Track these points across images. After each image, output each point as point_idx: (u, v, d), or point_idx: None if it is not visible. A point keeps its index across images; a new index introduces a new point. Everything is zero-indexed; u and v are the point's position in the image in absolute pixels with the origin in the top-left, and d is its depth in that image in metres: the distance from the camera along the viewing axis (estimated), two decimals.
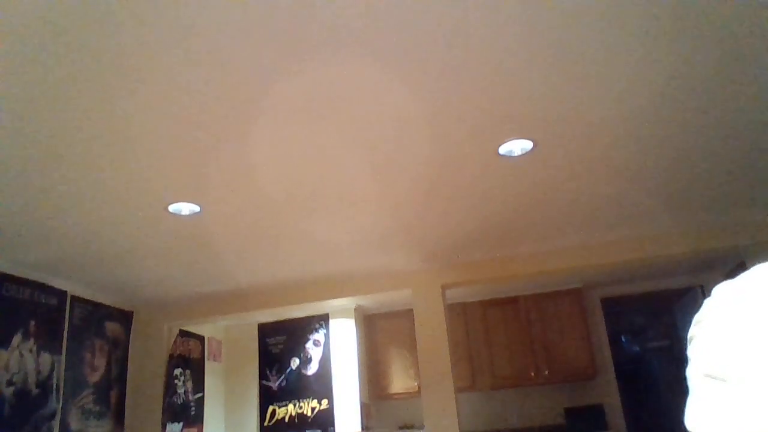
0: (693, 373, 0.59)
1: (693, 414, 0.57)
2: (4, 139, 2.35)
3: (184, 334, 5.41)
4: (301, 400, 5.74)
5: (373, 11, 1.83)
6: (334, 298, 5.02)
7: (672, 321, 6.95)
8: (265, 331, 6.07)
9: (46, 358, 4.00)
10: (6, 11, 1.68)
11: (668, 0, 1.88)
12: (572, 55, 2.14)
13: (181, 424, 5.18)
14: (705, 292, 5.89)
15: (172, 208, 3.16)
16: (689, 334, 0.61)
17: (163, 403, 4.91)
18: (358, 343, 5.80)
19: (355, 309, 5.82)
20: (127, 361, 4.94)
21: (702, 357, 0.58)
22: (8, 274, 3.78)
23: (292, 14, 1.81)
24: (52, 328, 4.12)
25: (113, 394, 4.72)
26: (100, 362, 4.61)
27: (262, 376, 5.95)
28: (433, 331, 4.66)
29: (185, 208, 3.18)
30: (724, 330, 0.56)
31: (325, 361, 5.77)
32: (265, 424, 5.78)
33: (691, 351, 0.60)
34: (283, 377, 5.87)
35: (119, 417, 4.76)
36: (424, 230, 3.93)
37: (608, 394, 5.76)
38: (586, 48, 2.10)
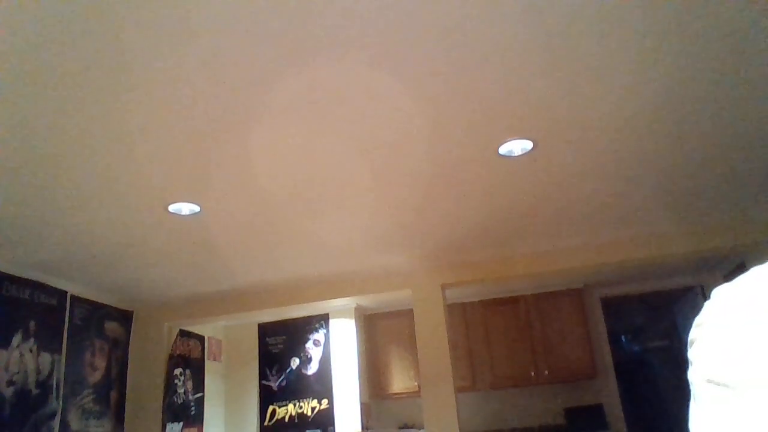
0: (695, 378, 0.58)
1: (697, 421, 0.56)
2: (4, 140, 2.35)
3: (184, 333, 5.41)
4: (301, 400, 5.74)
5: (372, 12, 1.83)
6: (334, 298, 5.02)
7: (672, 321, 6.95)
8: (265, 330, 6.07)
9: (46, 357, 4.00)
10: (7, 11, 1.68)
11: (669, 1, 1.88)
12: (572, 55, 2.13)
13: (181, 423, 5.18)
14: (705, 293, 5.89)
15: (172, 208, 3.16)
16: (690, 337, 0.61)
17: (163, 402, 4.91)
18: (358, 343, 5.80)
19: (355, 309, 5.82)
20: (127, 360, 4.94)
21: (703, 362, 0.57)
22: (8, 274, 3.78)
23: (292, 15, 1.81)
24: (52, 328, 4.12)
25: (113, 394, 4.72)
26: (100, 362, 4.61)
27: (262, 375, 5.95)
28: (433, 331, 4.66)
29: (185, 208, 3.18)
30: (725, 334, 0.56)
31: (325, 361, 5.77)
32: (265, 423, 5.79)
33: (692, 355, 0.59)
34: (283, 377, 5.87)
35: (119, 417, 4.76)
36: (424, 230, 3.93)
37: (608, 394, 5.76)
38: (587, 48, 2.10)
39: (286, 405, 5.77)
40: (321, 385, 5.71)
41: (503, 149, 2.83)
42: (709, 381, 0.55)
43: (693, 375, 0.58)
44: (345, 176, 3.00)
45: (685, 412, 0.59)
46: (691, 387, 0.59)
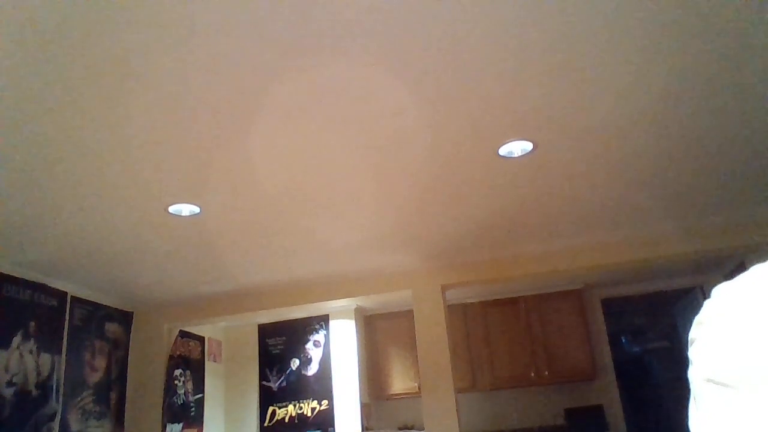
0: (695, 377, 0.58)
1: (696, 421, 0.56)
2: (5, 140, 2.35)
3: (184, 334, 5.41)
4: (301, 401, 5.74)
5: (373, 12, 1.83)
6: (334, 298, 5.01)
7: (672, 322, 6.94)
8: (265, 331, 6.07)
9: (46, 358, 4.00)
10: (8, 12, 1.69)
11: (668, 1, 1.88)
12: (572, 56, 2.14)
13: (181, 424, 5.18)
14: (705, 293, 5.89)
15: (172, 208, 3.16)
16: (690, 336, 0.61)
17: (163, 403, 4.91)
18: (358, 344, 5.79)
19: (355, 309, 5.82)
20: (127, 361, 4.94)
21: (703, 361, 0.57)
22: (8, 275, 3.78)
23: (292, 15, 1.81)
24: (52, 328, 4.11)
25: (113, 395, 4.72)
26: (100, 363, 4.60)
27: (262, 376, 5.95)
28: (433, 332, 4.66)
29: (185, 208, 3.18)
30: (726, 333, 0.56)
31: (325, 362, 5.77)
32: (265, 424, 5.78)
33: (693, 354, 0.59)
34: (283, 378, 5.87)
35: (119, 417, 4.76)
36: (424, 230, 3.93)
37: (608, 395, 5.76)
38: (586, 49, 2.10)
39: (286, 406, 5.77)
40: (321, 386, 5.71)
41: (503, 150, 2.83)
42: (709, 380, 0.55)
43: (693, 374, 0.58)
44: (345, 176, 3.00)
45: (685, 413, 0.59)
46: (691, 386, 0.59)
